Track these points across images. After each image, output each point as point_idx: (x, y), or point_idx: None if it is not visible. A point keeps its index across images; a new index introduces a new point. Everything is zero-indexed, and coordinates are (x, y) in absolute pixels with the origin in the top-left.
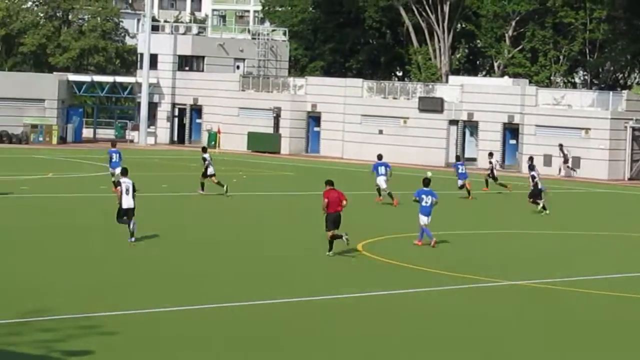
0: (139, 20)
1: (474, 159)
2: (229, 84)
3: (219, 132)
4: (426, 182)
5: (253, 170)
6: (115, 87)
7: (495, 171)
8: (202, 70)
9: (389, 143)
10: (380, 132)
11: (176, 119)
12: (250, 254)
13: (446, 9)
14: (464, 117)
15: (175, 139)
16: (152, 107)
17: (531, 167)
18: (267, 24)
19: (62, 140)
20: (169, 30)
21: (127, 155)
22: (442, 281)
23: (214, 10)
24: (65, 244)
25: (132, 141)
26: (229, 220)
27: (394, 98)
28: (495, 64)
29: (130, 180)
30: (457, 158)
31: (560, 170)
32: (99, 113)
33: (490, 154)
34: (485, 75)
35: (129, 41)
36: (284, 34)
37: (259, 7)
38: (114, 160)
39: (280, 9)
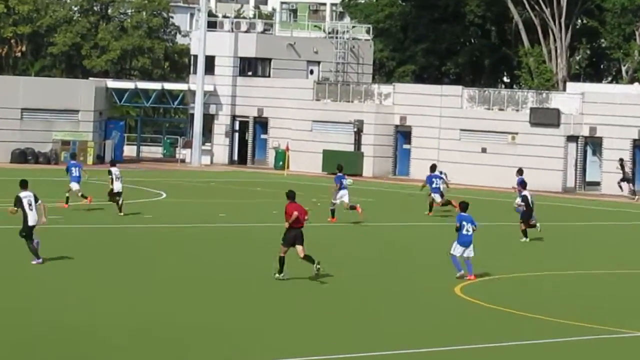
0: (192, 16)
1: (597, 183)
2: (301, 92)
3: (287, 149)
4: (464, 206)
5: (328, 196)
6: (164, 96)
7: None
8: (268, 76)
9: (494, 163)
10: (484, 150)
11: (237, 135)
12: (333, 294)
13: (563, 2)
14: (585, 133)
15: (236, 158)
16: (208, 119)
17: (523, 184)
18: (347, 19)
19: (100, 159)
20: (229, 28)
21: (177, 179)
22: (573, 331)
23: (282, 3)
24: (109, 283)
25: (183, 161)
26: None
27: (500, 109)
28: (623, 68)
29: (32, 192)
30: (432, 168)
31: (621, 188)
32: (144, 127)
33: (434, 166)
34: (610, 82)
35: (180, 40)
36: (367, 31)
37: (337, 0)
38: (74, 174)
39: (362, 2)
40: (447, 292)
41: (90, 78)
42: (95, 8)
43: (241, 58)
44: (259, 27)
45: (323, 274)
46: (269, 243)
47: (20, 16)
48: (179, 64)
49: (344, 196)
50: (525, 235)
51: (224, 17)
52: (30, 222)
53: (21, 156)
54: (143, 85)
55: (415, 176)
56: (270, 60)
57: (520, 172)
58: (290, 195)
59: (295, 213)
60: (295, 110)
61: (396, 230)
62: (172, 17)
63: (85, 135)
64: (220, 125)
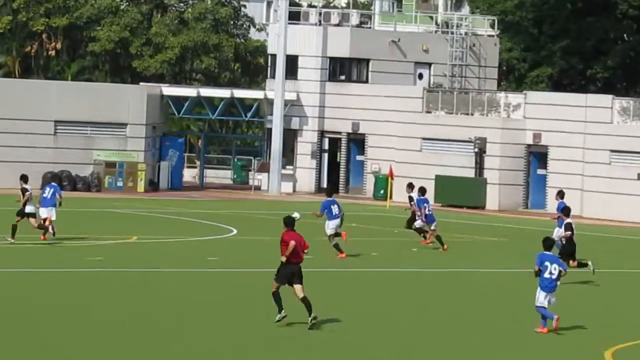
0: (269, 5)
1: None
2: (407, 101)
3: (390, 175)
4: (549, 243)
5: (443, 233)
6: (234, 106)
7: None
8: (366, 81)
9: None
10: None
11: (325, 155)
12: None
13: None
14: None
15: (324, 185)
16: (290, 136)
17: (566, 211)
18: (465, 9)
19: (153, 186)
20: (316, 20)
21: (250, 211)
22: None
23: None
24: (167, 342)
25: (258, 188)
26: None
27: None
28: None
29: None
30: (422, 191)
31: None
32: (209, 145)
33: (410, 186)
34: None
35: (254, 36)
36: (492, 25)
37: None
38: (44, 195)
39: None
40: (595, 357)
41: (142, 83)
42: None
43: (331, 58)
44: (354, 19)
45: (452, 335)
46: (363, 293)
47: (54, 5)
48: (252, 65)
49: (335, 227)
50: (584, 264)
51: (310, 6)
52: None
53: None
54: (207, 92)
55: (553, 209)
56: (367, 61)
57: (561, 194)
58: (289, 222)
59: (292, 243)
60: (399, 124)
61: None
62: (244, 7)
63: (134, 156)
64: (305, 144)
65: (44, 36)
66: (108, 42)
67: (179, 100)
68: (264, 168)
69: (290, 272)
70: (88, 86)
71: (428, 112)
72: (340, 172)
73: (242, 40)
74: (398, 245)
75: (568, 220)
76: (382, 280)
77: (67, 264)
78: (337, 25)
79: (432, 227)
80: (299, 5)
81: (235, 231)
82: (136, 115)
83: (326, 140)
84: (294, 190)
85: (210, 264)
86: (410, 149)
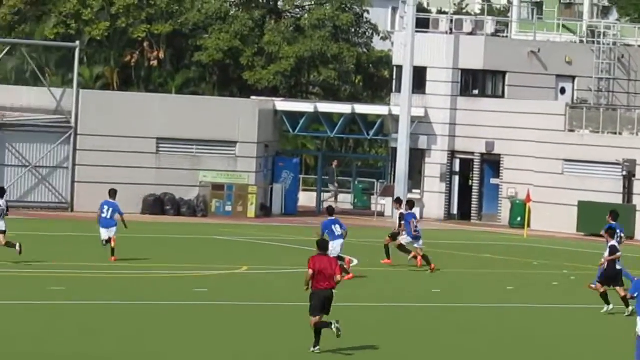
0: (395, 11)
1: None
2: (548, 119)
3: (528, 200)
4: None
5: (587, 265)
6: (355, 123)
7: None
8: (502, 96)
9: None
10: None
11: (457, 178)
12: None
13: None
14: None
15: (455, 211)
16: (417, 156)
17: (611, 231)
18: (614, 16)
19: (265, 211)
20: (446, 28)
21: (373, 239)
22: None
23: None
24: None
25: (381, 214)
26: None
27: None
28: None
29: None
30: (411, 204)
31: None
32: (328, 166)
33: (398, 201)
34: None
35: (378, 45)
36: None
37: None
38: (104, 215)
39: None
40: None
41: (253, 97)
42: (260, 0)
43: (463, 70)
44: (489, 27)
45: None
46: (497, 336)
47: (157, 10)
48: (376, 78)
49: (336, 247)
50: (607, 302)
51: (440, 13)
52: None
53: (157, 205)
54: (326, 107)
55: None
56: (504, 73)
57: (613, 215)
58: (321, 246)
59: (310, 272)
60: (539, 144)
61: None
62: (367, 13)
63: (244, 177)
64: (434, 165)
65: (145, 44)
66: (216, 51)
67: (294, 116)
68: (388, 192)
69: (322, 299)
70: (194, 100)
71: (571, 130)
72: (473, 197)
73: (365, 50)
74: (537, 278)
75: (612, 242)
76: (520, 318)
77: (170, 295)
78: (470, 33)
79: (417, 246)
80: (428, 11)
81: (355, 262)
82: (247, 133)
83: (457, 162)
84: (421, 217)
85: None
86: (550, 172)
